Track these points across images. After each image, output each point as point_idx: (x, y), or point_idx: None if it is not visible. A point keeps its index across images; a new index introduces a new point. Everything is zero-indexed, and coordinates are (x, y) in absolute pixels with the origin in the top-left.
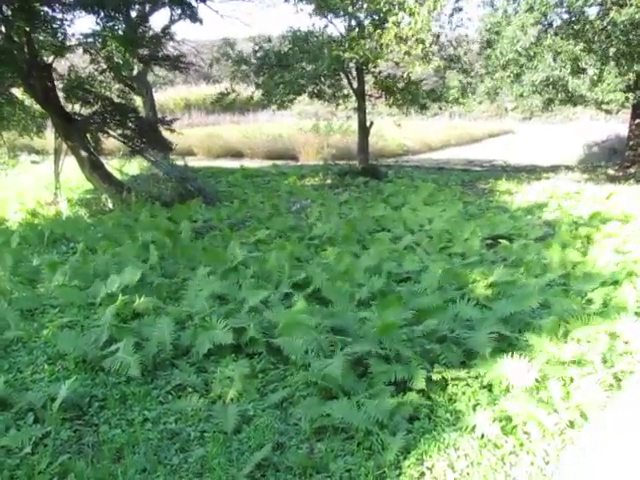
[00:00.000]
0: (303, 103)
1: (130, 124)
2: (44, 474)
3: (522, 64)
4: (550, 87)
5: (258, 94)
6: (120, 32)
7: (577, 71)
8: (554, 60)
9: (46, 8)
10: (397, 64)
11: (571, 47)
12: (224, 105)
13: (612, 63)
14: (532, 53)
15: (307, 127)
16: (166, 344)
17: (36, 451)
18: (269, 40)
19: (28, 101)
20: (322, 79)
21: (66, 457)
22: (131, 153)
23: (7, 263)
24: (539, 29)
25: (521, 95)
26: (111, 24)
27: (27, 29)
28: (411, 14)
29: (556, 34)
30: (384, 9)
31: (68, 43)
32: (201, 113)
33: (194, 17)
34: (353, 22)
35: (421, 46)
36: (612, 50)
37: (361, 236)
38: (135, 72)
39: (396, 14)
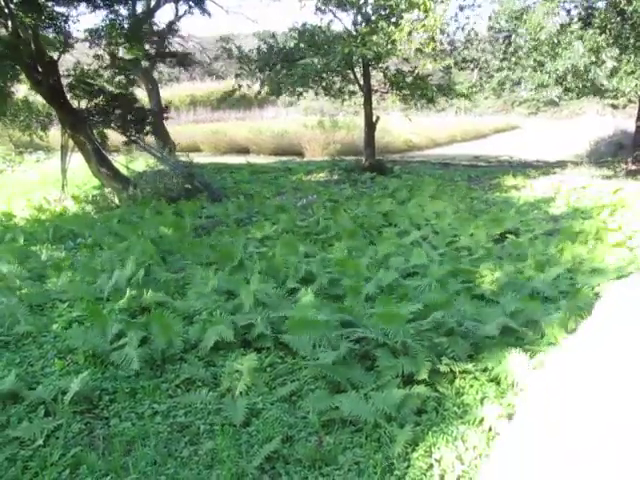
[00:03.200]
0: (309, 99)
1: (131, 117)
2: (57, 466)
3: (545, 51)
4: (571, 76)
5: (265, 90)
6: (125, 26)
7: (597, 62)
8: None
9: (50, 3)
10: (406, 60)
11: (595, 36)
12: (232, 103)
13: (630, 56)
14: (556, 41)
15: (313, 123)
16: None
17: (48, 443)
18: (273, 36)
19: (32, 98)
20: (330, 74)
21: (78, 449)
22: (128, 142)
23: (16, 259)
24: (564, 16)
25: (542, 84)
26: (115, 18)
27: (32, 24)
28: (424, 10)
29: (580, 21)
30: (393, 4)
31: (73, 40)
32: (206, 109)
33: (202, 9)
34: (359, 17)
35: (432, 44)
36: (631, 41)
37: (368, 231)
38: (144, 66)
39: (409, 11)
